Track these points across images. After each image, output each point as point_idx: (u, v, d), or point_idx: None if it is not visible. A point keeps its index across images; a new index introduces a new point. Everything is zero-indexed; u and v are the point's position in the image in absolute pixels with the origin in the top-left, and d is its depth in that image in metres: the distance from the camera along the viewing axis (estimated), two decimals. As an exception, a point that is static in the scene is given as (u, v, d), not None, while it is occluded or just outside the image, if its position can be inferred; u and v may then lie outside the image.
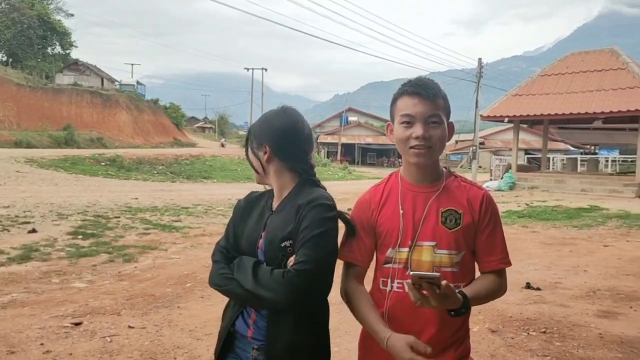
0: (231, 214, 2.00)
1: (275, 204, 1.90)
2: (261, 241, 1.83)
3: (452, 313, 1.62)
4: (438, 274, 1.57)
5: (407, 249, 1.79)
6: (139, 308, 5.21)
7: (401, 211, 1.81)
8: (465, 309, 1.62)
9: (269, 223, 1.85)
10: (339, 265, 1.84)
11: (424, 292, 1.53)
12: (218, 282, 1.84)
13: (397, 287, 1.80)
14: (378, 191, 1.91)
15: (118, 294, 5.67)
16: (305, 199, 1.78)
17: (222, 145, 55.83)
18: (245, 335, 1.83)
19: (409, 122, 1.77)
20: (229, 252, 1.89)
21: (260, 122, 1.95)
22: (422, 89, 1.77)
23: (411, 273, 1.54)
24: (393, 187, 1.88)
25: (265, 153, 1.89)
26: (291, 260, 1.74)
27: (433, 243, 1.78)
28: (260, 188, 2.04)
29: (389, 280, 1.82)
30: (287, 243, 1.77)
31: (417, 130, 1.75)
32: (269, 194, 1.96)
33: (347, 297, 1.87)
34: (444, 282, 1.50)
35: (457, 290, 1.59)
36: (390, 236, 1.81)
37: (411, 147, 1.77)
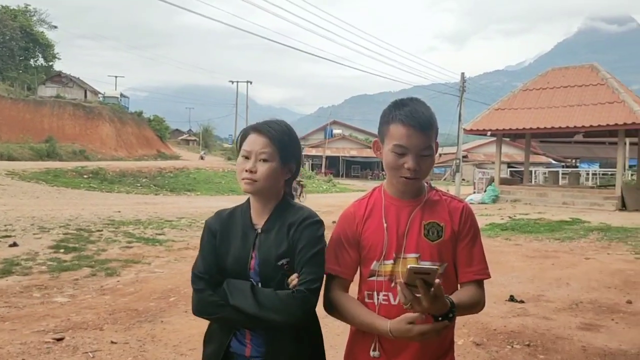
0: (203, 236, 1.92)
1: (257, 222, 1.88)
2: (253, 261, 1.81)
3: (440, 318, 1.62)
4: (435, 267, 1.60)
5: (391, 262, 1.82)
6: (121, 323, 5.14)
7: (385, 225, 1.84)
8: (452, 314, 1.63)
9: (260, 242, 1.83)
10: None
11: (416, 293, 1.53)
12: (209, 310, 1.79)
13: (383, 300, 1.82)
14: (362, 205, 1.93)
15: (100, 309, 5.59)
16: (296, 218, 1.83)
17: (202, 158, 55.26)
18: (243, 354, 1.83)
19: (401, 153, 1.78)
20: (212, 277, 1.81)
21: (291, 139, 1.90)
22: (418, 122, 1.76)
23: (408, 266, 1.53)
24: (377, 201, 1.91)
25: (291, 170, 1.91)
26: (293, 279, 1.76)
27: (416, 255, 1.81)
28: (226, 204, 2.01)
29: (375, 293, 1.84)
30: (283, 261, 1.79)
31: (410, 162, 1.77)
32: (240, 210, 1.93)
33: (334, 305, 1.86)
34: (437, 281, 1.51)
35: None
36: (375, 249, 1.84)
37: (401, 176, 1.80)
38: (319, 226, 1.84)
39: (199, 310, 1.82)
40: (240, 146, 1.88)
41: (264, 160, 1.82)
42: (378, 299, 1.83)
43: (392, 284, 1.80)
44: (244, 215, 1.90)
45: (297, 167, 1.95)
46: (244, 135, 1.89)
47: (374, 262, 1.84)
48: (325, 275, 1.85)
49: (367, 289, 1.86)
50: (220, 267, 1.83)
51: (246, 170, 1.82)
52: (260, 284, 1.78)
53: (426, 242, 1.82)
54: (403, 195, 1.88)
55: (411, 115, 1.76)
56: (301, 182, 2.02)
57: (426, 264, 1.76)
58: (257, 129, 1.86)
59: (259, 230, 1.86)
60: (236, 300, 1.74)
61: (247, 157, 1.84)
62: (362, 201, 1.96)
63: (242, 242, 1.85)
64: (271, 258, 1.80)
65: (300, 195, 2.01)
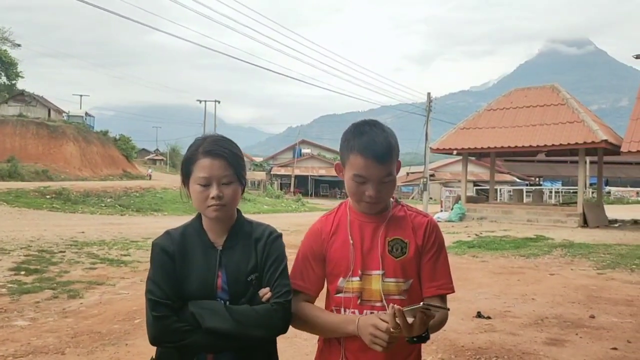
0: (155, 259, 1.80)
1: (216, 240, 1.83)
2: (220, 280, 1.77)
3: (415, 339, 1.61)
4: (447, 307, 1.68)
5: (357, 279, 1.82)
6: (84, 346, 5.00)
7: (351, 241, 1.84)
8: (427, 334, 1.62)
9: (226, 260, 1.80)
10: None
11: (409, 318, 1.55)
12: (173, 338, 1.70)
13: None
14: (328, 221, 1.93)
15: (62, 332, 5.43)
16: (261, 233, 1.84)
17: (149, 177, 53.24)
18: None
19: (362, 182, 1.79)
20: (173, 301, 1.72)
21: (240, 156, 1.87)
22: (376, 154, 1.74)
23: (422, 303, 1.54)
24: (342, 217, 1.91)
25: (244, 186, 1.88)
26: (266, 292, 1.76)
27: (381, 272, 1.81)
28: (170, 225, 1.96)
29: (342, 309, 1.83)
30: (252, 277, 1.78)
31: (370, 190, 1.78)
32: (193, 230, 1.86)
33: (300, 316, 1.84)
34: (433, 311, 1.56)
35: None
36: (340, 266, 1.84)
37: (363, 201, 1.82)
38: (281, 239, 1.87)
39: (160, 339, 1.72)
40: (188, 170, 1.81)
41: (227, 184, 1.78)
42: (346, 314, 1.82)
43: (359, 301, 1.80)
44: (199, 235, 1.84)
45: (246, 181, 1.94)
46: (193, 159, 1.80)
47: (341, 279, 1.84)
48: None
49: (335, 304, 1.86)
50: (181, 290, 1.75)
51: (212, 197, 1.76)
52: (228, 303, 1.75)
53: (390, 258, 1.83)
54: (371, 210, 1.89)
55: (369, 147, 1.74)
56: None
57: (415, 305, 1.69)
58: (212, 152, 1.78)
59: (220, 248, 1.82)
60: (211, 322, 1.68)
61: (206, 184, 1.77)
62: (328, 217, 1.96)
63: (205, 262, 1.79)
64: (241, 275, 1.77)
65: None
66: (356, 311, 1.80)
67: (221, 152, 1.79)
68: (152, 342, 1.74)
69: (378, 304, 1.79)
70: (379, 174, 1.76)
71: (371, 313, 1.76)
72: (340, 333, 1.78)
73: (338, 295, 1.85)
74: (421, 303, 1.54)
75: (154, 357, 1.81)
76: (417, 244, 1.85)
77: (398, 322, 1.55)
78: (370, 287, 1.81)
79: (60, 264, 9.39)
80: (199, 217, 1.88)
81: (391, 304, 1.60)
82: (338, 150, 1.91)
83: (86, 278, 8.32)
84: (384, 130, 1.81)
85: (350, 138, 1.81)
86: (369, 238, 1.85)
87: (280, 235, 1.87)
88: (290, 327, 1.87)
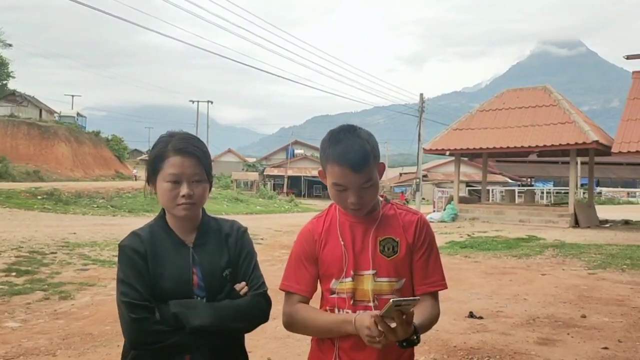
0: (126, 261, 1.77)
1: (185, 238, 1.82)
2: (195, 277, 1.77)
3: (405, 344, 1.61)
4: (417, 297, 1.64)
5: (350, 279, 1.82)
6: (75, 348, 4.97)
7: (342, 242, 1.85)
8: (417, 337, 1.63)
9: (200, 257, 1.80)
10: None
11: (391, 324, 1.53)
12: (154, 340, 1.67)
13: None
14: (320, 222, 1.94)
15: (53, 334, 5.40)
16: (229, 228, 1.88)
17: (135, 179, 52.54)
18: None
19: (342, 190, 1.79)
20: (150, 302, 1.70)
21: (208, 154, 1.88)
22: (351, 164, 1.73)
23: (391, 301, 1.50)
24: (333, 219, 1.92)
25: (212, 184, 1.89)
26: (242, 286, 1.79)
27: (372, 272, 1.81)
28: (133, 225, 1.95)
29: (336, 310, 1.84)
30: (227, 272, 1.80)
31: (351, 197, 1.78)
32: (160, 229, 1.84)
33: (297, 319, 1.84)
34: (413, 309, 1.54)
35: None
36: (333, 267, 1.84)
37: (347, 207, 1.82)
38: (248, 233, 1.94)
39: (139, 341, 1.68)
40: (157, 167, 1.79)
41: (197, 182, 1.78)
42: (342, 314, 1.83)
43: (352, 302, 1.81)
44: (167, 234, 1.82)
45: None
46: (163, 156, 1.78)
47: (333, 280, 1.84)
48: (284, 293, 1.90)
49: (329, 305, 1.86)
50: (156, 290, 1.72)
51: (182, 196, 1.75)
52: (205, 299, 1.76)
53: (382, 258, 1.83)
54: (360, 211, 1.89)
55: (344, 157, 1.73)
56: None
57: (403, 297, 1.69)
58: (184, 150, 1.78)
59: (192, 246, 1.82)
60: (197, 320, 1.68)
61: (176, 182, 1.76)
62: (319, 218, 1.97)
63: (178, 260, 1.78)
64: (217, 270, 1.79)
65: None
66: (350, 311, 1.80)
67: (192, 150, 1.79)
68: (132, 347, 1.71)
69: (371, 304, 1.80)
70: (357, 182, 1.75)
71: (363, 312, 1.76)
72: (338, 333, 1.78)
73: (332, 296, 1.85)
74: (390, 301, 1.50)
75: None
76: (408, 242, 1.85)
77: (381, 329, 1.54)
78: (362, 287, 1.82)
79: (51, 265, 9.34)
80: (163, 217, 1.86)
81: (374, 317, 1.58)
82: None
83: (78, 279, 8.28)
84: (360, 136, 1.78)
85: (327, 147, 1.79)
86: (360, 239, 1.85)
87: (246, 230, 1.93)
88: (285, 329, 1.89)
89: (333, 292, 1.85)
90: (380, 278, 1.81)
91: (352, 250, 1.84)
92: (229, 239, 1.85)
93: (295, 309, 1.85)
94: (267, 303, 1.82)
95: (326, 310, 1.86)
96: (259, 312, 1.78)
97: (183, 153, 1.77)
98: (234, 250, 1.84)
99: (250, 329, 1.79)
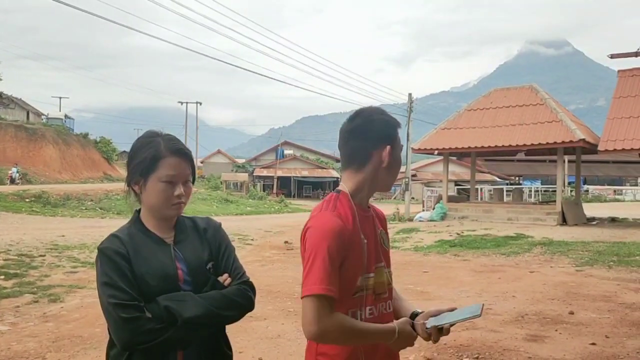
0: (109, 263, 1.73)
1: (164, 236, 1.84)
2: (180, 273, 1.80)
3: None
4: (478, 314, 1.77)
5: (372, 274, 1.82)
6: (65, 350, 4.96)
7: (363, 237, 1.79)
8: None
9: (182, 253, 1.83)
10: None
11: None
12: (147, 338, 1.66)
13: (369, 314, 1.79)
14: (342, 218, 1.75)
15: (43, 337, 5.38)
16: (205, 223, 1.95)
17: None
18: None
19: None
20: (140, 302, 1.69)
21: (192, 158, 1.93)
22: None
23: (450, 323, 1.80)
24: (348, 212, 1.79)
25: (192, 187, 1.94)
26: (226, 278, 1.84)
27: (383, 264, 1.88)
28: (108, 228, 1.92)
29: (358, 310, 1.77)
30: (210, 265, 1.86)
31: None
32: (137, 229, 1.83)
33: (340, 327, 1.66)
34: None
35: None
36: (357, 264, 1.76)
37: (390, 186, 1.96)
38: (223, 228, 1.99)
39: (133, 341, 1.66)
40: (151, 167, 1.78)
41: (187, 182, 1.84)
42: (363, 314, 1.77)
43: (374, 297, 1.82)
44: (146, 234, 1.83)
45: None
46: (159, 156, 1.78)
47: (360, 278, 1.76)
48: (315, 298, 1.64)
49: (351, 307, 1.75)
50: (144, 289, 1.72)
51: (177, 196, 1.79)
52: (192, 292, 1.79)
53: (384, 249, 1.92)
54: (365, 204, 1.89)
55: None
56: None
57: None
58: (180, 151, 1.81)
59: (172, 243, 1.84)
60: (189, 312, 1.70)
61: (171, 182, 1.78)
62: (335, 212, 1.77)
63: (162, 257, 1.79)
64: (201, 264, 1.84)
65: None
66: (373, 308, 1.80)
67: (187, 151, 1.86)
68: (125, 348, 1.69)
69: (385, 295, 1.87)
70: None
71: (381, 306, 1.84)
72: (372, 342, 1.78)
73: (357, 295, 1.77)
74: (447, 323, 1.77)
75: None
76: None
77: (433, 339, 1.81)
78: (381, 279, 1.85)
79: (40, 267, 9.29)
80: (139, 218, 1.87)
81: (421, 322, 1.79)
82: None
83: (67, 282, 8.25)
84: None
85: (393, 126, 1.95)
86: (372, 231, 1.87)
87: (221, 224, 1.99)
88: (313, 339, 1.75)
89: (357, 291, 1.76)
90: (387, 269, 1.89)
91: (372, 243, 1.84)
92: (206, 233, 1.91)
93: (338, 317, 1.67)
94: (252, 291, 1.87)
95: (347, 313, 1.73)
96: (246, 299, 1.83)
97: (179, 154, 1.81)
98: (213, 244, 1.89)
99: (239, 317, 1.82)
